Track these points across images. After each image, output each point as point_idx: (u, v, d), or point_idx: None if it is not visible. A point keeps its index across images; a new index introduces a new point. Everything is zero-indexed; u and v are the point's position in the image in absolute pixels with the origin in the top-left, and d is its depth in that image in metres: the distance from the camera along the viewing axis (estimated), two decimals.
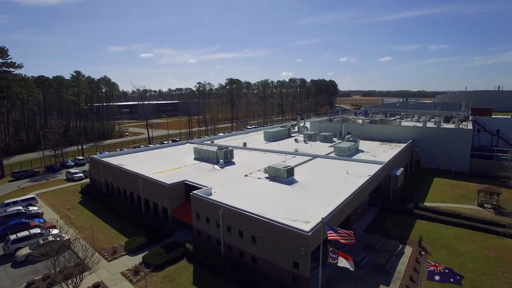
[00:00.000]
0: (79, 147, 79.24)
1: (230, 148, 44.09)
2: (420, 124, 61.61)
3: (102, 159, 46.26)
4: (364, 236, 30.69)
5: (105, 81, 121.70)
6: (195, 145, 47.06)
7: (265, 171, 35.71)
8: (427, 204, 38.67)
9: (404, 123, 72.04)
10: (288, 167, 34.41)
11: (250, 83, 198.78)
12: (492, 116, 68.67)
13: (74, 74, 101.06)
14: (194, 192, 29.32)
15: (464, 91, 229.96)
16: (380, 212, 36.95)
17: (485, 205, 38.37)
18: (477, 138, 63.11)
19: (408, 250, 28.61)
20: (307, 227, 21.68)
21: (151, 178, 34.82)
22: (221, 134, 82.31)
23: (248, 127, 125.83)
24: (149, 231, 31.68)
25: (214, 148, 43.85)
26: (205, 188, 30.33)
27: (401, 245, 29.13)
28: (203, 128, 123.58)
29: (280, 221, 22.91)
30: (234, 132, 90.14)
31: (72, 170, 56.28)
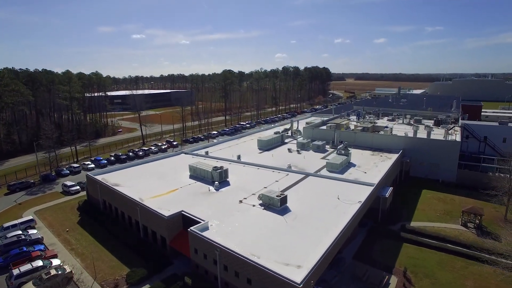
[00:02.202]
0: (73, 148, 79.10)
1: (224, 168, 44.98)
2: (411, 132, 62.96)
3: (98, 177, 46.81)
4: (353, 266, 32.48)
5: (97, 78, 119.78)
6: (190, 163, 47.84)
7: (259, 198, 36.89)
8: (414, 224, 40.62)
9: (396, 127, 73.62)
10: (281, 196, 35.61)
11: (244, 73, 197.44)
12: (480, 123, 70.40)
13: (65, 72, 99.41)
14: (192, 229, 30.43)
15: (457, 79, 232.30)
16: (368, 235, 38.72)
17: (468, 225, 40.40)
18: (465, 145, 64.91)
19: (393, 281, 30.53)
20: (298, 277, 23.07)
21: (149, 208, 35.63)
22: (215, 141, 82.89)
23: (242, 123, 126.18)
24: (150, 262, 33.04)
25: (209, 168, 44.71)
26: (202, 222, 31.45)
27: (387, 276, 31.07)
28: (197, 122, 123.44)
29: (273, 268, 24.13)
30: (227, 137, 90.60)
31: (68, 183, 56.68)
